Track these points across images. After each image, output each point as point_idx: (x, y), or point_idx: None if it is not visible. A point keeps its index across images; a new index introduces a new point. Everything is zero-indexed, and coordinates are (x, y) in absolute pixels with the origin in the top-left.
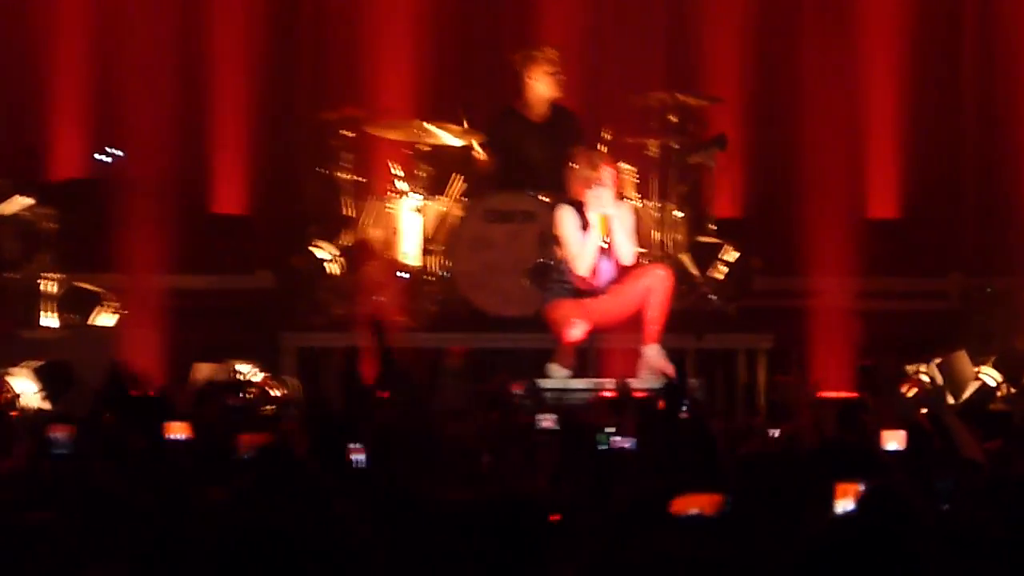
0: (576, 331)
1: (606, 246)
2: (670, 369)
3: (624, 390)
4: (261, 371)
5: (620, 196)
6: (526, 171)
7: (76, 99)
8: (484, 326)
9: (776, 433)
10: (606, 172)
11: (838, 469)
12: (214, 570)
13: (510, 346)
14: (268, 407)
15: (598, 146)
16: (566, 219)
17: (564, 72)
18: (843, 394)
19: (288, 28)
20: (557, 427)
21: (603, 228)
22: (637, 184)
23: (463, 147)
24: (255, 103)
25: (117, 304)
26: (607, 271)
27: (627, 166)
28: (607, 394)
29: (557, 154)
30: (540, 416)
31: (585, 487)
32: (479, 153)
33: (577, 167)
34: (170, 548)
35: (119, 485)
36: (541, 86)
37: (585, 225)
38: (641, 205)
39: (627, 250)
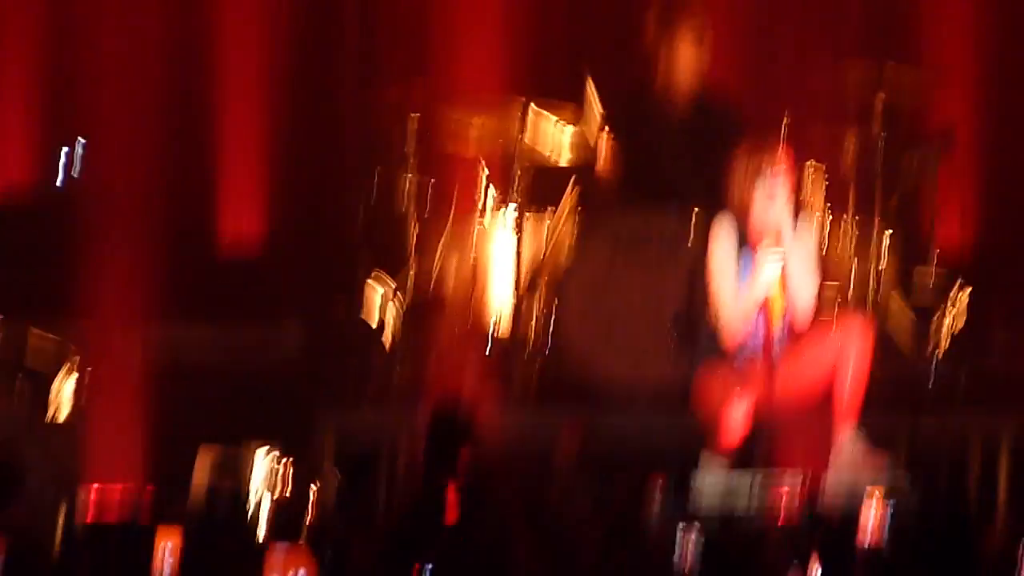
0: (737, 414)
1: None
2: (873, 461)
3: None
4: (285, 461)
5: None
6: (666, 175)
7: (25, 87)
8: (608, 399)
9: None
10: (780, 164)
11: None
12: None
13: (644, 428)
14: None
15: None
16: (723, 238)
17: (720, 35)
18: None
19: None
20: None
21: (776, 309)
22: (827, 191)
23: (582, 140)
24: (277, 83)
25: (81, 362)
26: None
27: (814, 164)
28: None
29: (708, 154)
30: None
31: None
32: (604, 147)
33: (740, 168)
34: None
35: None
36: (685, 53)
37: (747, 253)
38: (831, 221)
39: (805, 292)
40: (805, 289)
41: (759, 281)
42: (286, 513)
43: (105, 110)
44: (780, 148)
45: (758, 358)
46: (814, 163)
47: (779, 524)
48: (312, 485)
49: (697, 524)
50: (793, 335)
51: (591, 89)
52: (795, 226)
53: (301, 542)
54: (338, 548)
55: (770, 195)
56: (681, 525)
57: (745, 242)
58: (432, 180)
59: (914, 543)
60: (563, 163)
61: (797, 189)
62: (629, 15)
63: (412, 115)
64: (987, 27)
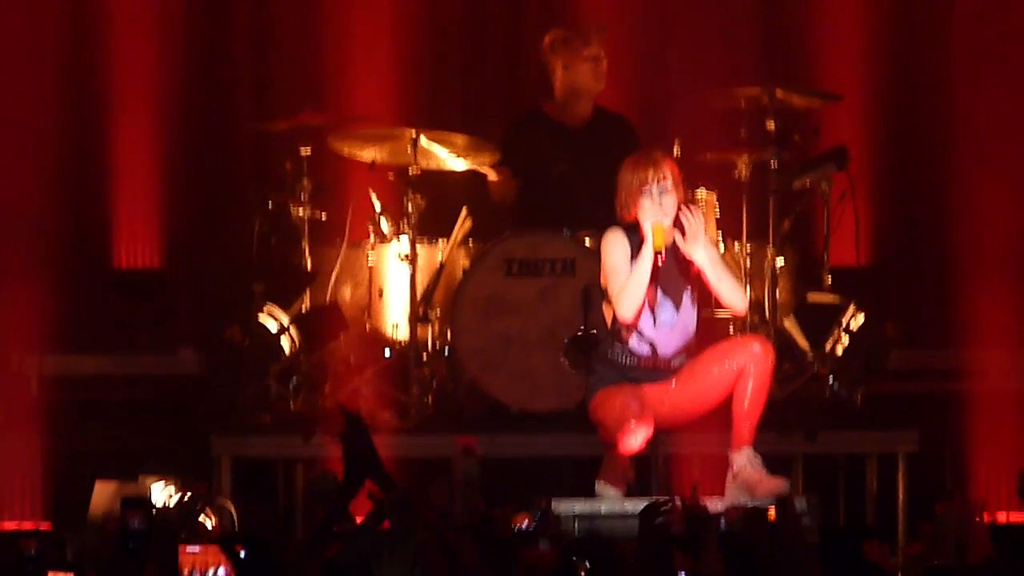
0: (635, 439)
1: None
2: (770, 484)
3: (695, 516)
4: (181, 491)
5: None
6: (560, 201)
7: None
8: (502, 425)
9: None
10: (666, 170)
11: None
12: None
13: (538, 453)
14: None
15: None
16: (613, 245)
17: (612, 60)
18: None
19: (220, 7)
20: None
21: (659, 240)
22: (719, 217)
23: (472, 168)
24: (172, 110)
25: None
26: (671, 321)
27: (706, 192)
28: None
29: (603, 175)
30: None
31: None
32: (494, 174)
33: (625, 174)
34: None
35: None
36: (579, 78)
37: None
38: (724, 247)
39: (728, 286)
40: (734, 301)
41: (642, 268)
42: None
43: None
44: (666, 164)
45: (657, 379)
46: (705, 190)
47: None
48: (209, 519)
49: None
50: (689, 356)
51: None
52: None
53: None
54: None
55: (655, 186)
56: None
57: (635, 255)
58: (324, 212)
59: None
60: (456, 191)
61: (681, 190)
62: (521, 43)
63: (304, 147)
64: (878, 51)
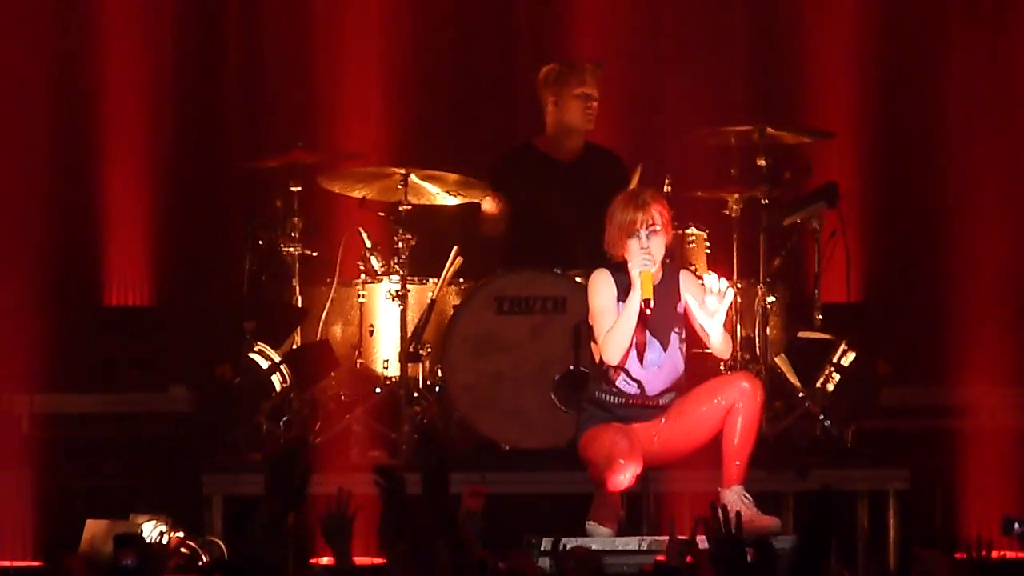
0: (623, 476)
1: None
2: (761, 523)
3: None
4: (173, 529)
5: (687, 266)
6: (550, 237)
7: None
8: (493, 463)
9: None
10: (654, 213)
11: None
12: None
13: (529, 491)
14: None
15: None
16: (600, 288)
17: (604, 97)
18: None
19: (209, 45)
20: None
21: (646, 290)
22: (710, 255)
23: (463, 206)
24: (162, 148)
25: None
26: (658, 362)
27: (696, 231)
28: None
29: (593, 210)
30: None
31: None
32: (491, 207)
33: (615, 213)
34: None
35: None
36: (568, 116)
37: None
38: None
39: (714, 328)
40: (718, 345)
41: (629, 313)
42: None
43: None
44: (654, 207)
45: (646, 419)
46: (695, 228)
47: None
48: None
49: None
50: (678, 394)
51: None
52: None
53: None
54: None
55: (643, 229)
56: None
57: (622, 295)
58: (315, 252)
59: None
60: (446, 230)
61: (680, 252)
62: (512, 82)
63: (294, 185)
64: (870, 89)
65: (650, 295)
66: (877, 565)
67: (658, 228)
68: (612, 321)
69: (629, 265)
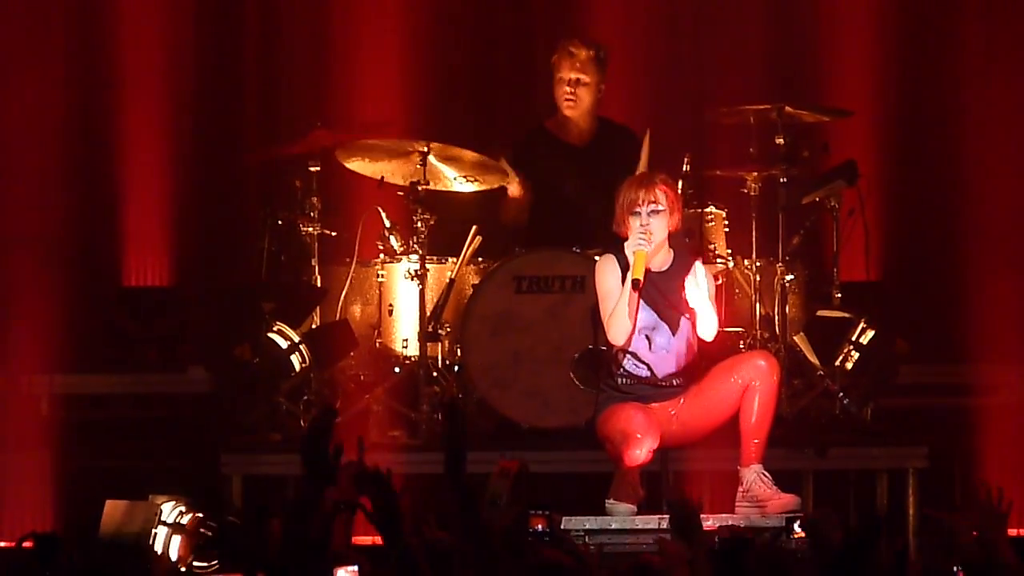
0: (639, 451)
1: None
2: (782, 501)
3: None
4: (191, 510)
5: (706, 254)
6: (567, 218)
7: None
8: (512, 442)
9: None
10: (658, 193)
11: None
12: None
13: (548, 470)
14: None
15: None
16: (604, 272)
17: (621, 75)
18: None
19: (228, 25)
20: None
21: (638, 269)
22: (728, 234)
23: (482, 185)
24: (182, 129)
25: None
26: (667, 344)
27: (715, 209)
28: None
29: (608, 189)
30: None
31: None
32: (516, 192)
33: (621, 193)
34: None
35: None
36: (556, 98)
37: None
38: (734, 263)
39: (706, 330)
40: (705, 327)
41: (628, 293)
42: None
43: (5, 159)
44: (660, 186)
45: (662, 399)
46: (714, 207)
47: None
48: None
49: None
50: (698, 374)
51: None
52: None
53: None
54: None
55: (646, 235)
56: None
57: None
58: (333, 232)
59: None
60: (465, 209)
61: (699, 231)
62: (531, 58)
63: (313, 164)
64: (888, 67)
65: (640, 275)
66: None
67: (660, 208)
68: (608, 302)
69: (626, 244)
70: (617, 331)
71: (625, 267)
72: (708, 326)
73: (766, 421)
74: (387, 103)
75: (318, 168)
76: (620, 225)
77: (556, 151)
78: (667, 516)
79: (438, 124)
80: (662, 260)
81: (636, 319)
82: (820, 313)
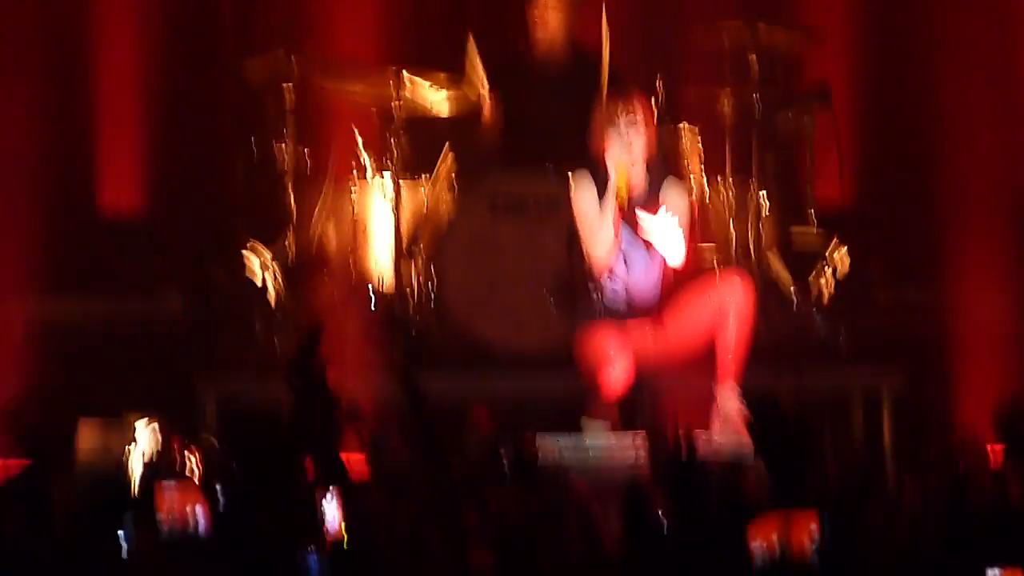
0: (614, 371)
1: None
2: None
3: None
4: (167, 431)
5: (680, 172)
6: (542, 140)
7: None
8: (488, 364)
9: None
10: (636, 104)
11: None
12: None
13: (526, 393)
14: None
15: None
16: (580, 190)
17: None
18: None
19: None
20: None
21: (621, 185)
22: (702, 152)
23: (457, 105)
24: (154, 51)
25: None
26: (644, 264)
27: (688, 126)
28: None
29: (580, 111)
30: None
31: None
32: (487, 108)
33: (598, 108)
34: None
35: None
36: (561, 19)
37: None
38: (708, 183)
39: (672, 241)
40: (677, 246)
41: (609, 211)
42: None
43: None
44: (636, 99)
45: (638, 317)
46: (687, 125)
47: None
48: (192, 455)
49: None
50: (672, 294)
51: (472, 50)
52: (664, 183)
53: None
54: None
55: (626, 146)
56: None
57: (603, 195)
58: (307, 148)
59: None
60: (438, 128)
61: (673, 149)
62: None
63: (287, 84)
64: None
65: (623, 184)
66: (875, 468)
67: (638, 119)
68: (589, 221)
69: (607, 156)
70: (600, 248)
71: (601, 186)
72: (675, 253)
73: (741, 338)
74: (361, 22)
75: (292, 88)
76: (598, 139)
77: (533, 76)
78: (642, 432)
79: (413, 42)
80: (638, 179)
81: (619, 232)
82: (794, 231)
